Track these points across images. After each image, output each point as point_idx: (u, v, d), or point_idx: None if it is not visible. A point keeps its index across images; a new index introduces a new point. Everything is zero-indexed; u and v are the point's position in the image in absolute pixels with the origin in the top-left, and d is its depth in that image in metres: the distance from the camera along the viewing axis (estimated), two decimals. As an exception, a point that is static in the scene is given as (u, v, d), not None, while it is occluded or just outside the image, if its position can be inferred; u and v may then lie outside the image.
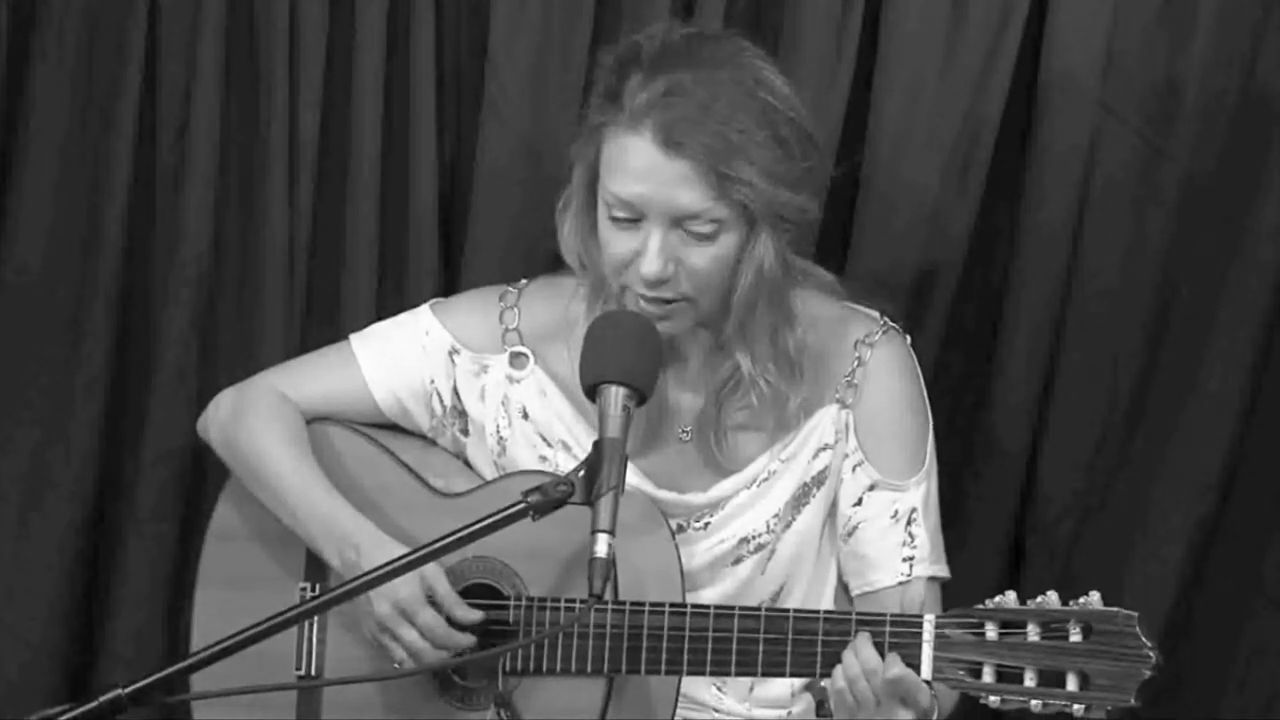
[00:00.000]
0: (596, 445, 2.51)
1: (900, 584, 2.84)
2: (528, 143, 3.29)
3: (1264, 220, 3.24)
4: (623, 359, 2.59)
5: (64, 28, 3.32)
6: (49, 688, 3.37)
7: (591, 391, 2.58)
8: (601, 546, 2.45)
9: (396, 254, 3.36)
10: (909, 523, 2.85)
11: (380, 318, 3.02)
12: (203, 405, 3.05)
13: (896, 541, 2.85)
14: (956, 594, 2.89)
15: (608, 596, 2.69)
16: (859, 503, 2.86)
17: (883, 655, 2.60)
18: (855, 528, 2.87)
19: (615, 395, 2.55)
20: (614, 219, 2.73)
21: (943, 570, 2.88)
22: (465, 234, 3.35)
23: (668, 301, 2.74)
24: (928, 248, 3.28)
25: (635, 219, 2.71)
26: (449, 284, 3.32)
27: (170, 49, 3.33)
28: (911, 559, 2.85)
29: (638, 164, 2.69)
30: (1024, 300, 3.29)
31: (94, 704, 2.28)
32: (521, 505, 2.46)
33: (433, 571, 2.74)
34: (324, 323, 3.34)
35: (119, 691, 2.29)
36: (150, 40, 3.32)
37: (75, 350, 3.37)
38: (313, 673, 2.86)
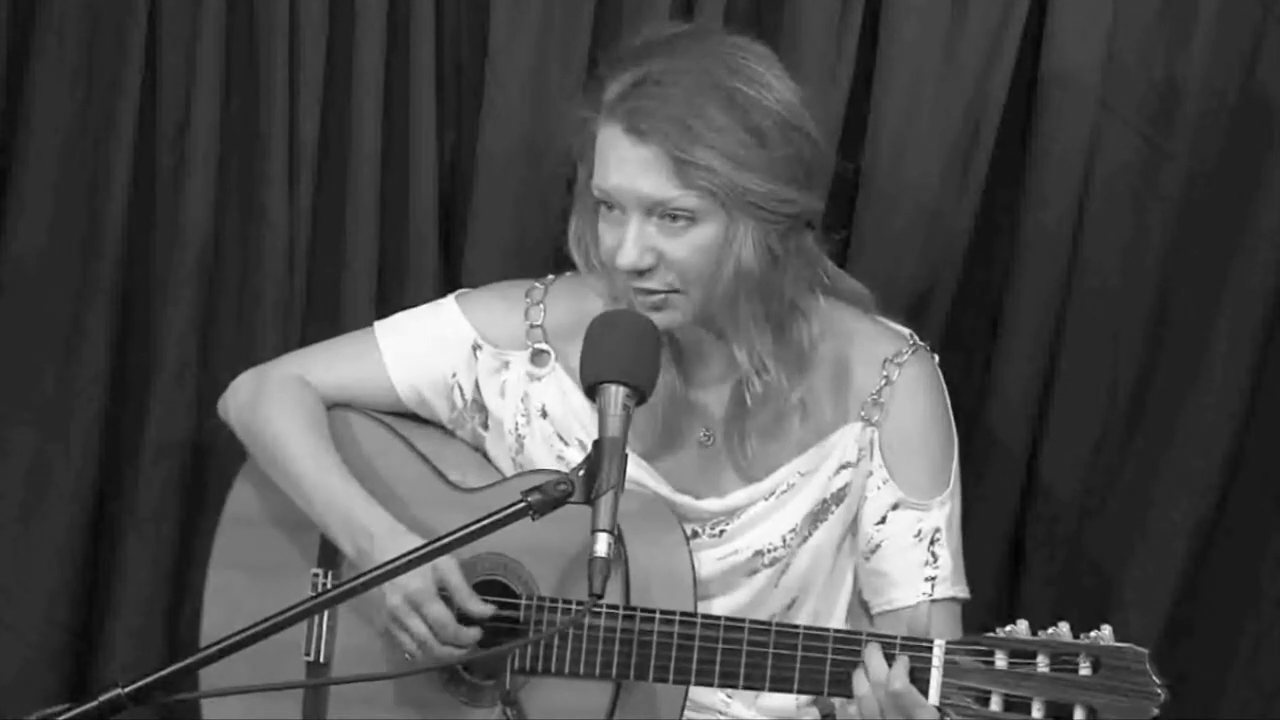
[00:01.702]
0: (596, 444, 2.51)
1: (921, 603, 2.82)
2: (528, 142, 3.29)
3: (1264, 220, 3.24)
4: (622, 358, 2.59)
5: (64, 27, 3.32)
6: (48, 687, 3.37)
7: (591, 391, 2.58)
8: (601, 546, 2.44)
9: (396, 254, 3.37)
10: (932, 542, 2.84)
11: (380, 317, 3.02)
12: (203, 404, 3.06)
13: (919, 561, 2.84)
14: (956, 593, 2.89)
15: (619, 602, 2.71)
16: (882, 521, 2.85)
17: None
18: (877, 546, 2.85)
19: (615, 395, 2.55)
20: (603, 211, 2.74)
21: (963, 591, 2.86)
22: (465, 233, 3.35)
23: (656, 293, 2.73)
24: (928, 247, 3.28)
25: (618, 210, 2.72)
26: (449, 283, 3.32)
27: (170, 48, 3.33)
28: (934, 579, 2.83)
29: (611, 154, 2.70)
30: (1024, 299, 3.29)
31: (93, 703, 2.27)
32: (522, 505, 2.46)
33: (446, 564, 2.73)
34: (324, 323, 3.33)
35: (118, 691, 2.28)
36: (150, 39, 3.32)
37: (75, 350, 3.37)
38: (321, 659, 2.86)
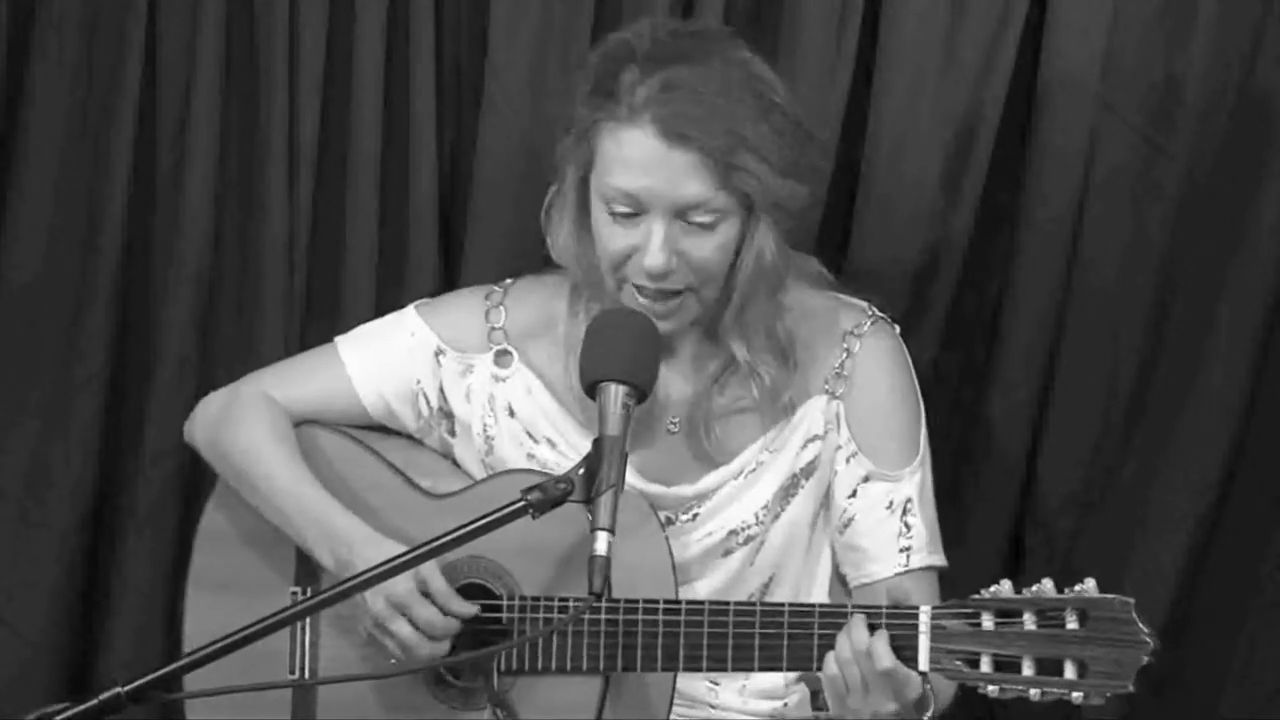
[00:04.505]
0: (596, 443, 2.52)
1: (898, 575, 2.83)
2: (527, 141, 3.30)
3: (1264, 218, 3.24)
4: (622, 357, 2.59)
5: (64, 25, 3.33)
6: (48, 686, 3.38)
7: (591, 390, 2.58)
8: (602, 545, 2.45)
9: (396, 252, 3.37)
10: (904, 513, 2.85)
11: (380, 316, 3.02)
12: (203, 402, 3.06)
13: (893, 532, 2.85)
14: (956, 590, 2.88)
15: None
16: (854, 495, 2.86)
17: None
18: (851, 520, 2.86)
19: (615, 393, 2.56)
20: (614, 214, 2.74)
21: (940, 559, 2.87)
22: (465, 232, 3.35)
23: (671, 294, 2.74)
24: (928, 245, 3.29)
25: (636, 213, 2.72)
26: (449, 282, 3.33)
27: (170, 46, 3.33)
28: (909, 549, 2.84)
29: (640, 157, 2.69)
30: (1024, 297, 3.30)
31: (93, 702, 2.28)
32: (521, 504, 2.46)
33: (428, 568, 2.74)
34: (324, 321, 3.34)
35: (118, 690, 2.29)
36: (150, 38, 3.33)
37: (75, 348, 3.37)
38: (306, 675, 2.86)
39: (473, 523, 2.45)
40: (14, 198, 3.37)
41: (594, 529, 2.46)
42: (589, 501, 2.48)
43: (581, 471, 2.49)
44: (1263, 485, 3.30)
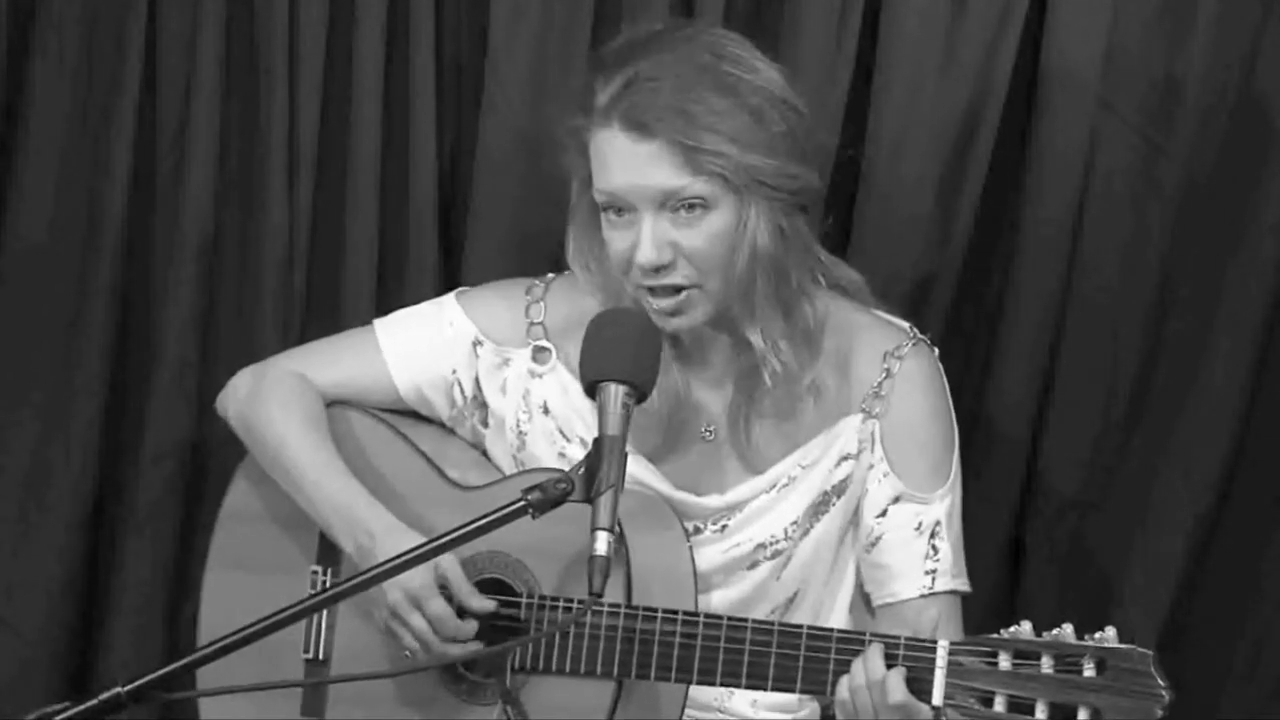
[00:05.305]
0: (596, 443, 2.51)
1: (922, 596, 2.83)
2: (527, 141, 3.30)
3: (1264, 218, 3.24)
4: (622, 357, 2.59)
5: (64, 24, 3.33)
6: (48, 686, 3.37)
7: (591, 389, 2.58)
8: (601, 544, 2.45)
9: (396, 251, 3.37)
10: (933, 535, 2.84)
11: (380, 315, 3.02)
12: (203, 403, 3.06)
13: (919, 553, 2.84)
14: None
15: (620, 600, 2.72)
16: (883, 514, 2.85)
17: None
18: (878, 539, 2.86)
19: (615, 393, 2.55)
20: (609, 218, 2.75)
21: (964, 584, 2.87)
22: (465, 231, 3.35)
23: (675, 291, 2.74)
24: (928, 246, 3.28)
25: (627, 212, 2.73)
26: (448, 281, 3.32)
27: (170, 46, 3.34)
28: (934, 572, 2.84)
29: (613, 156, 2.71)
30: (1024, 298, 3.30)
31: (93, 702, 2.27)
32: (521, 503, 2.46)
33: (447, 561, 2.74)
34: (324, 320, 3.34)
35: (118, 690, 2.28)
36: (150, 37, 3.33)
37: (75, 347, 3.37)
38: (320, 656, 2.87)
39: (475, 521, 2.45)
40: (14, 198, 3.37)
41: (594, 529, 2.46)
42: (589, 501, 2.48)
43: (582, 471, 2.49)
44: (1263, 486, 3.30)
